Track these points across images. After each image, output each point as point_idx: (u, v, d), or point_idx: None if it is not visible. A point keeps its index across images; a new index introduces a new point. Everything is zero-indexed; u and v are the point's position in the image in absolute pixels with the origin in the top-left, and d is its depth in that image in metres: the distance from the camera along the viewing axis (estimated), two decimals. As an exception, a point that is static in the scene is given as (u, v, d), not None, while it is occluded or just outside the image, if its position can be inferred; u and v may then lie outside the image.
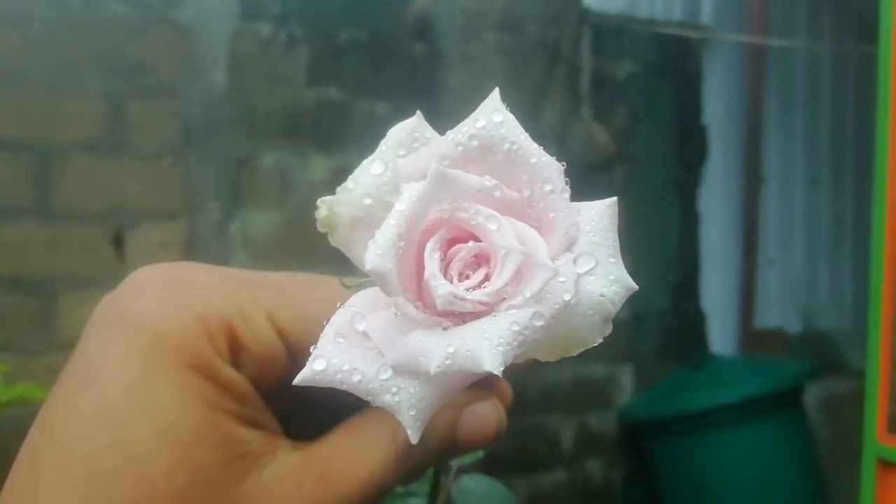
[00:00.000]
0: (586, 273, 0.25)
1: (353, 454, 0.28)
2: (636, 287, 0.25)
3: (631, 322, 2.20)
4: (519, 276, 0.24)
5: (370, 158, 0.26)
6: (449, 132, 0.26)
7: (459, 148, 0.25)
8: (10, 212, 1.63)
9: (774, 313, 2.54)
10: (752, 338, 2.47)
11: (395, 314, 0.25)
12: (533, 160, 0.25)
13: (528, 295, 0.24)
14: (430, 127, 0.27)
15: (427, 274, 0.24)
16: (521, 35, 2.05)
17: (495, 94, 0.26)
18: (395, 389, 0.24)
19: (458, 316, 0.24)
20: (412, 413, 0.24)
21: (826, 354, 2.45)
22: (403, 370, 0.24)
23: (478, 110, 0.26)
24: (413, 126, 0.26)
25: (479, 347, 0.23)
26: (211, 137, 1.77)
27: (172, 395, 0.26)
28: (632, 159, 2.25)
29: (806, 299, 2.60)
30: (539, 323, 0.23)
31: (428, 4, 1.93)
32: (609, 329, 0.25)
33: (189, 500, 0.26)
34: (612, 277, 0.25)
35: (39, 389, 1.37)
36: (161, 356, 0.27)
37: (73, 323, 1.59)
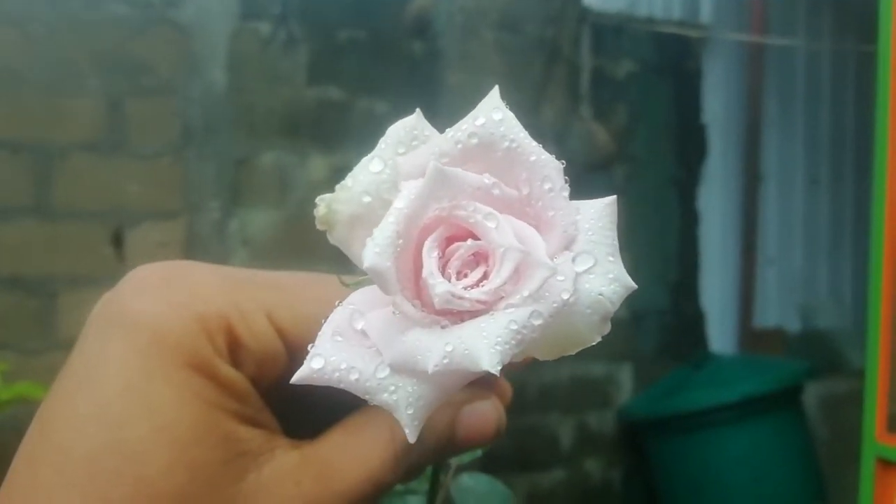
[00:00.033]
0: (585, 272, 0.25)
1: (351, 453, 0.28)
2: (635, 286, 0.25)
3: (630, 321, 2.20)
4: (517, 274, 0.24)
5: (369, 156, 0.26)
6: (448, 130, 0.26)
7: (459, 146, 0.25)
8: (10, 211, 1.63)
9: (774, 312, 2.54)
10: (752, 337, 2.47)
11: (394, 312, 0.24)
12: (532, 158, 0.25)
13: (526, 294, 0.24)
14: (429, 125, 0.27)
15: (425, 272, 0.24)
16: (521, 34, 2.05)
17: (495, 92, 0.26)
18: (392, 388, 0.24)
19: (457, 314, 0.24)
20: (410, 412, 0.24)
21: (825, 353, 2.45)
22: (401, 369, 0.24)
23: (477, 108, 0.26)
24: (412, 124, 0.26)
25: (476, 346, 0.23)
26: (210, 137, 1.77)
27: (171, 394, 0.26)
28: (631, 158, 2.25)
29: (805, 298, 2.60)
30: (537, 322, 0.23)
31: (427, 3, 1.92)
32: (608, 328, 0.25)
33: (188, 499, 0.26)
34: (610, 276, 0.25)
35: (39, 389, 1.37)
36: (160, 355, 0.26)
37: (73, 322, 1.59)
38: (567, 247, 0.25)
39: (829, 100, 2.61)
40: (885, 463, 1.08)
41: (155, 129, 1.72)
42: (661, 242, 2.33)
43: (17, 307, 1.63)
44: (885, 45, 1.09)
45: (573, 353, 0.25)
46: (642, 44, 2.28)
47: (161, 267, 0.29)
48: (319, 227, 0.26)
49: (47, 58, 1.65)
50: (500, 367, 0.22)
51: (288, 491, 0.27)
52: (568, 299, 0.24)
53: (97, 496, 0.25)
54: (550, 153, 0.26)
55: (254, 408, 0.28)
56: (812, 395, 2.23)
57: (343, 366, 0.24)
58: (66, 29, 1.66)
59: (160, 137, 1.73)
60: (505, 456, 1.92)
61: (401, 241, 0.24)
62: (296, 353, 0.28)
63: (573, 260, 0.25)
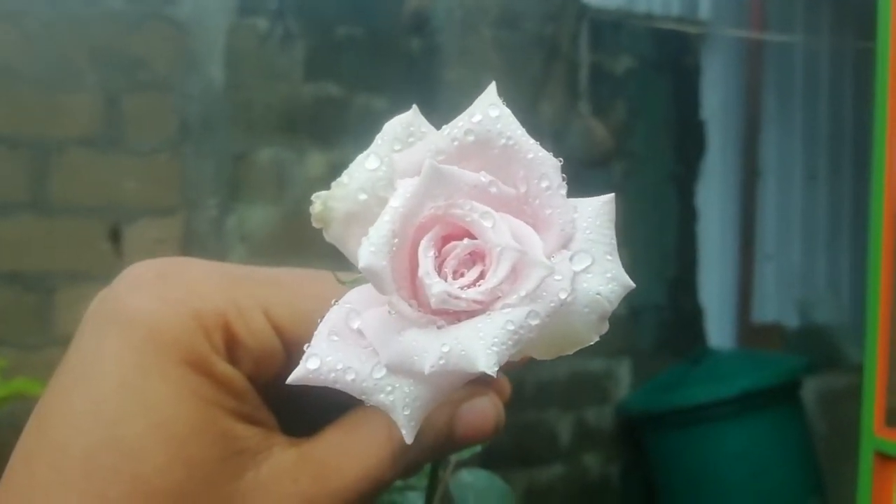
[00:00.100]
0: (583, 271, 0.25)
1: (349, 451, 0.28)
2: (633, 285, 0.25)
3: (628, 316, 2.20)
4: (514, 274, 0.24)
5: (365, 153, 0.26)
6: (445, 127, 0.26)
7: (455, 143, 0.25)
8: (8, 207, 1.63)
9: (772, 307, 2.55)
10: (750, 332, 2.47)
11: (389, 312, 0.24)
12: (529, 156, 0.25)
13: (523, 293, 0.23)
14: (426, 121, 0.26)
15: (421, 272, 0.24)
16: (519, 30, 2.05)
17: (491, 89, 0.26)
18: (389, 389, 0.24)
19: (453, 314, 0.24)
20: (407, 413, 0.24)
21: (824, 348, 2.45)
22: (398, 369, 0.24)
23: (474, 105, 0.25)
24: (409, 120, 0.26)
25: (473, 347, 0.22)
26: (208, 133, 1.76)
27: (168, 391, 0.26)
28: (630, 154, 2.25)
29: (803, 293, 2.60)
30: (534, 322, 0.23)
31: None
32: (606, 327, 0.25)
33: (185, 497, 0.26)
34: (608, 275, 0.25)
35: (36, 385, 1.37)
36: (156, 352, 0.26)
37: (71, 318, 1.58)
38: (564, 245, 0.25)
39: (827, 96, 2.61)
40: (883, 457, 1.08)
41: (152, 126, 1.72)
42: (659, 238, 2.33)
43: (15, 303, 1.63)
44: (883, 41, 1.09)
45: (570, 353, 0.25)
46: (641, 40, 2.27)
47: (157, 263, 0.29)
48: (315, 224, 0.26)
49: (44, 54, 1.64)
50: (496, 369, 0.22)
51: (286, 489, 0.27)
52: (565, 299, 0.24)
53: (94, 493, 0.25)
54: (548, 150, 0.25)
55: (251, 405, 0.28)
56: (810, 389, 2.23)
57: (339, 366, 0.24)
58: (63, 25, 1.66)
59: (157, 133, 1.72)
60: (504, 451, 1.92)
61: (396, 240, 0.24)
62: (293, 351, 0.28)
63: (571, 259, 0.25)
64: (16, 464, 0.26)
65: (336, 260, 0.28)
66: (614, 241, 0.26)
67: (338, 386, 0.24)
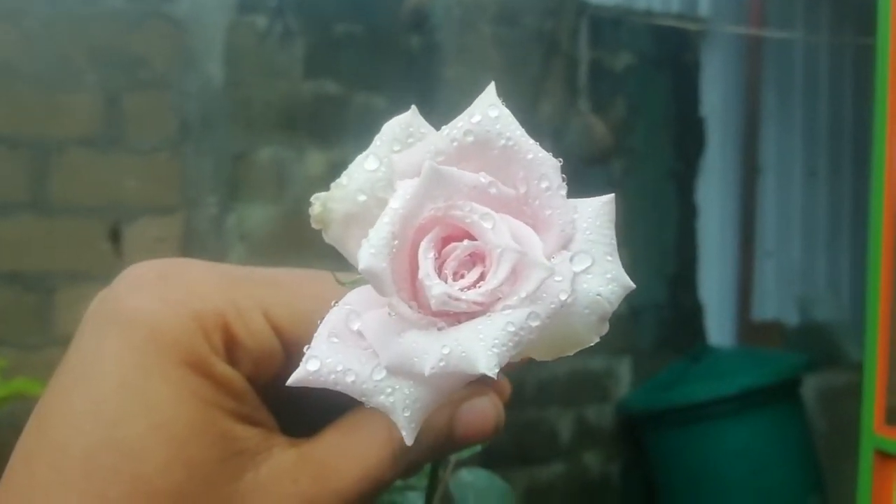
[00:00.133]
0: (583, 272, 0.24)
1: (348, 451, 0.28)
2: (633, 286, 0.25)
3: (629, 315, 2.20)
4: (514, 275, 0.24)
5: (364, 154, 0.26)
6: (444, 127, 0.25)
7: (454, 143, 0.25)
8: (8, 207, 1.63)
9: (772, 305, 2.55)
10: (750, 330, 2.47)
11: (389, 314, 0.24)
12: (529, 156, 0.25)
13: (523, 295, 0.23)
14: (424, 121, 0.26)
15: (421, 273, 0.24)
16: (518, 27, 2.04)
17: (491, 89, 0.26)
18: (389, 390, 0.24)
19: (453, 316, 0.24)
20: (407, 414, 0.24)
21: (824, 346, 2.45)
22: (398, 371, 0.24)
23: (473, 105, 0.25)
24: (408, 121, 0.26)
25: (473, 349, 0.22)
26: (207, 131, 1.76)
27: (168, 392, 0.26)
28: (629, 151, 2.25)
29: (803, 291, 2.60)
30: (535, 323, 0.23)
31: (424, -3, 1.92)
32: (606, 328, 0.25)
33: (185, 498, 0.26)
34: (609, 276, 0.25)
35: (36, 385, 1.37)
36: (156, 352, 0.26)
37: (71, 318, 1.58)
38: (564, 246, 0.25)
39: (827, 92, 2.61)
40: (883, 455, 1.08)
41: (152, 124, 1.72)
42: (659, 235, 2.33)
43: (15, 303, 1.63)
44: (883, 37, 1.09)
45: (571, 354, 0.25)
46: (640, 37, 2.27)
47: (157, 264, 0.29)
48: (315, 225, 0.26)
49: (43, 53, 1.64)
50: (497, 370, 0.22)
51: (285, 489, 0.27)
52: (566, 300, 0.24)
53: (94, 494, 0.25)
54: (547, 148, 0.25)
55: (251, 406, 0.28)
56: (810, 387, 2.23)
57: (339, 368, 0.24)
58: (63, 24, 1.65)
59: (157, 132, 1.72)
60: (504, 450, 1.92)
61: (396, 241, 0.24)
62: (293, 351, 0.28)
63: (571, 260, 0.25)
64: (16, 464, 0.26)
65: (336, 260, 0.28)
66: (614, 242, 0.25)
67: (338, 388, 0.24)
